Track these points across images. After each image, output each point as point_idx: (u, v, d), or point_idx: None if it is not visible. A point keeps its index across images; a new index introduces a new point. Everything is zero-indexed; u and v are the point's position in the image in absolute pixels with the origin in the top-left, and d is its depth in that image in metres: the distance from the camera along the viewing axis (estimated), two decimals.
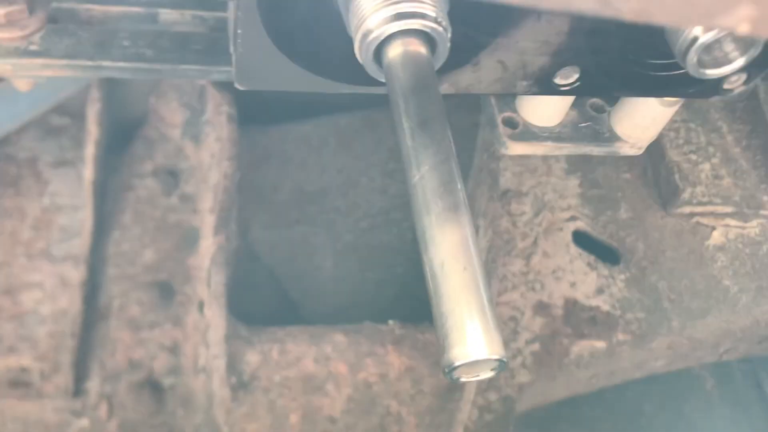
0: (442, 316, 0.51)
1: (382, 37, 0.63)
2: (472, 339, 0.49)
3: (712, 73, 0.76)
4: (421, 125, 0.59)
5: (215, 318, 0.98)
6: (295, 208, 1.45)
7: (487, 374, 0.51)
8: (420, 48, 0.63)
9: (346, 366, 0.99)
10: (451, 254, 0.52)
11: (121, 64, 0.84)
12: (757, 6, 0.39)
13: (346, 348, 1.01)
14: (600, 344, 1.32)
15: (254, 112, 1.39)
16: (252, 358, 0.98)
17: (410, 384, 1.01)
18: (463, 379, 0.51)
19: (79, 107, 1.31)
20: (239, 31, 0.69)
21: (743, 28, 0.40)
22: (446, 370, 0.50)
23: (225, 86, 1.27)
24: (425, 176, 0.57)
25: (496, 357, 0.50)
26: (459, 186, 0.56)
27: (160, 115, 1.32)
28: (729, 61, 0.77)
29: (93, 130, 1.20)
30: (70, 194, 1.25)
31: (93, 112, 1.20)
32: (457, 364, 0.49)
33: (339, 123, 1.56)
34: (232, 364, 0.97)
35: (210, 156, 1.27)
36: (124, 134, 1.34)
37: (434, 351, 1.02)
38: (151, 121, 1.33)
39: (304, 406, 0.97)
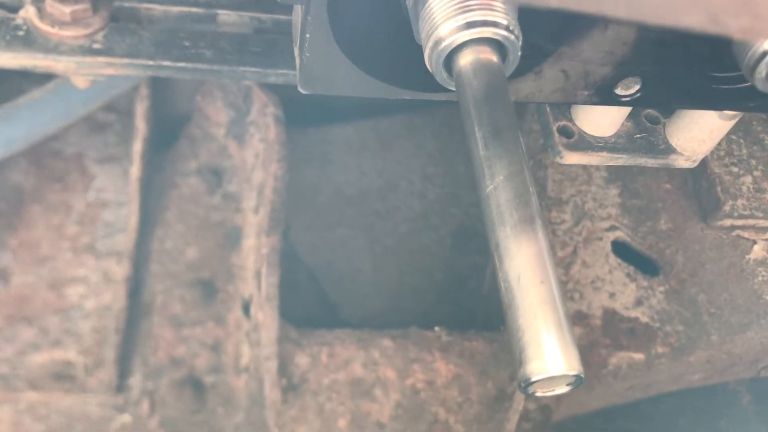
0: (518, 330, 0.51)
1: (454, 45, 0.63)
2: (549, 354, 0.49)
3: None
4: (494, 134, 0.59)
5: (268, 319, 0.98)
6: (335, 211, 1.45)
7: (562, 389, 0.51)
8: (492, 56, 0.63)
9: (394, 371, 0.99)
10: (527, 267, 0.52)
11: (181, 64, 0.84)
12: None
13: (393, 353, 1.00)
14: (638, 356, 1.31)
15: (295, 113, 1.40)
16: (302, 360, 0.98)
17: (458, 392, 1.00)
18: (538, 394, 0.51)
19: (125, 104, 1.32)
20: (307, 36, 0.69)
21: None
22: (522, 385, 0.50)
23: (271, 87, 1.27)
24: (499, 187, 0.56)
25: (574, 373, 0.49)
26: (533, 197, 0.56)
27: (206, 114, 1.32)
28: None
29: (141, 127, 1.20)
30: (115, 190, 1.26)
31: (141, 109, 1.21)
32: (534, 379, 0.49)
33: (379, 126, 1.55)
34: (283, 366, 0.97)
35: (254, 156, 1.27)
36: (169, 132, 1.34)
37: (481, 359, 1.01)
38: (196, 120, 1.33)
39: (352, 411, 0.97)
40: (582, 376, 0.49)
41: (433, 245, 1.45)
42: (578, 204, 1.41)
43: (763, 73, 0.73)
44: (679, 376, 1.38)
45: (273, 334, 0.96)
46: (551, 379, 0.49)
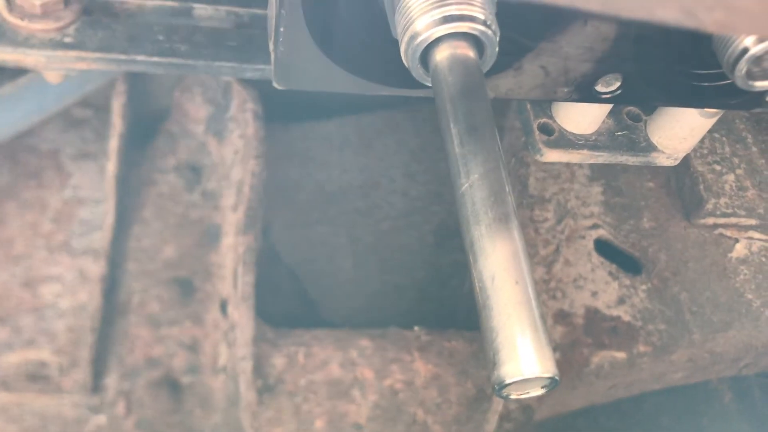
0: (492, 331, 0.49)
1: (430, 40, 0.61)
2: (524, 356, 0.48)
3: (761, 85, 0.74)
4: (470, 131, 0.57)
5: (243, 319, 0.96)
6: (316, 208, 1.43)
7: (537, 392, 0.50)
8: (468, 51, 0.62)
9: (372, 372, 0.98)
10: (502, 267, 0.51)
11: (155, 58, 0.82)
12: None
13: (372, 353, 0.99)
14: (620, 355, 1.30)
15: (276, 109, 1.38)
16: (278, 361, 0.96)
17: (437, 392, 0.99)
18: (512, 397, 0.50)
19: (102, 99, 1.29)
20: (281, 29, 0.67)
21: None
22: (496, 388, 0.48)
23: (251, 83, 1.25)
24: (474, 185, 0.55)
25: (549, 375, 0.48)
26: (509, 195, 0.55)
27: (184, 110, 1.30)
28: None
29: (117, 124, 1.18)
30: (91, 187, 1.23)
31: (118, 105, 1.19)
32: (508, 381, 0.48)
33: (361, 123, 1.54)
34: (258, 367, 0.95)
35: (233, 153, 1.26)
36: (146, 128, 1.32)
37: (461, 359, 1.00)
38: (174, 116, 1.31)
39: (329, 412, 0.95)
40: (557, 378, 0.48)
41: (414, 243, 1.44)
42: (561, 202, 1.40)
43: (743, 71, 0.73)
44: (662, 375, 1.38)
45: (248, 334, 0.95)
46: (525, 382, 0.48)
